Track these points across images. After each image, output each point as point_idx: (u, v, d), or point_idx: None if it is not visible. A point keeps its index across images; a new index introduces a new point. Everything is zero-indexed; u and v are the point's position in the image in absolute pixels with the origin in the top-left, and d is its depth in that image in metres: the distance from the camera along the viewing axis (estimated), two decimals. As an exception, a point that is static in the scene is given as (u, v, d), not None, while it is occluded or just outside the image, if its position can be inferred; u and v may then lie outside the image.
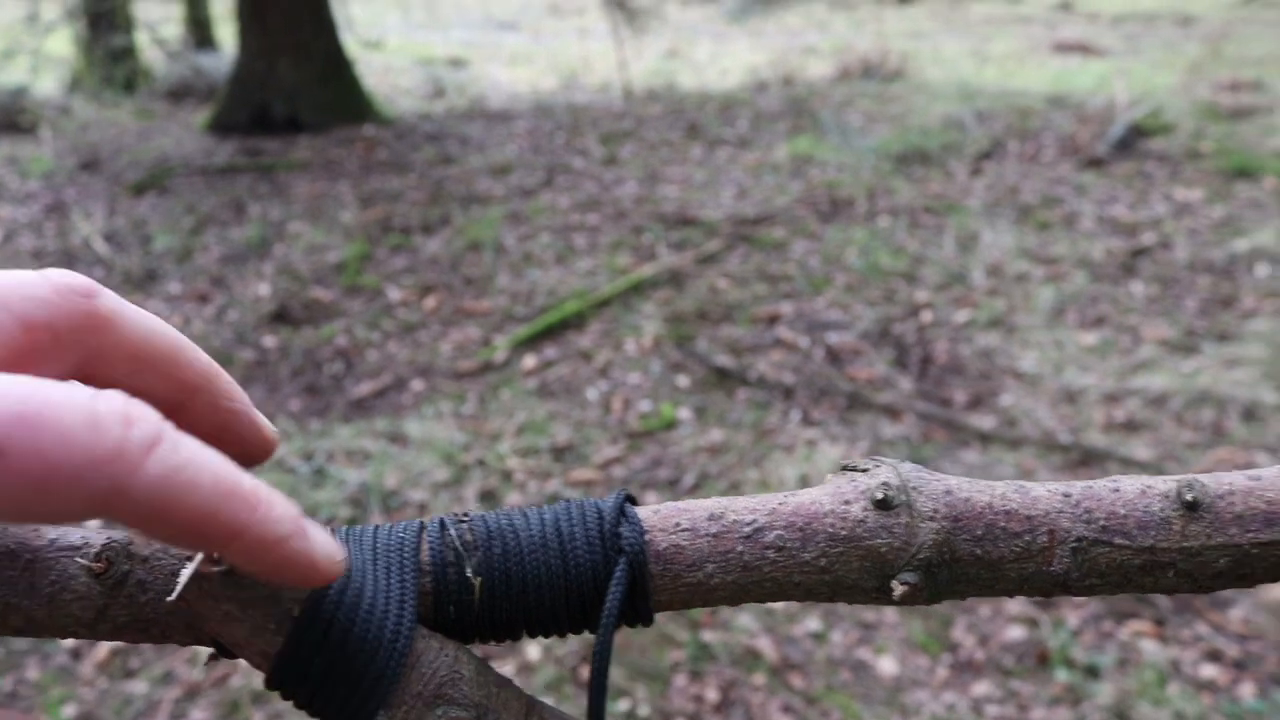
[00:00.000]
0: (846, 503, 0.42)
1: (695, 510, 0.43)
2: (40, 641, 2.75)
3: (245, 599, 0.38)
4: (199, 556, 0.38)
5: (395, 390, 3.96)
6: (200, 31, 11.33)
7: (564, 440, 3.49)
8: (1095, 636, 2.65)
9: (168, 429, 0.31)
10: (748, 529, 0.42)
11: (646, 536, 0.43)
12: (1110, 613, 2.73)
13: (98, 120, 8.61)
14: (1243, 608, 2.71)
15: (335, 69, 8.13)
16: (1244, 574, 0.42)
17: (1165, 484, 0.42)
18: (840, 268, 4.84)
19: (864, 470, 0.43)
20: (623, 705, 2.48)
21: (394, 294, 4.78)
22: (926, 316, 4.34)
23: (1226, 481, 0.42)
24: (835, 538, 0.41)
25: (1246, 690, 2.46)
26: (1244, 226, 5.07)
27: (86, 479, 0.29)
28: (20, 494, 0.28)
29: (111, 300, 0.36)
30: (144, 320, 0.38)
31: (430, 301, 4.68)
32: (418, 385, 3.98)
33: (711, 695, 2.52)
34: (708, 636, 2.69)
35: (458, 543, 0.43)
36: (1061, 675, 2.53)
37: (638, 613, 0.43)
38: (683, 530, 0.43)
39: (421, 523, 0.44)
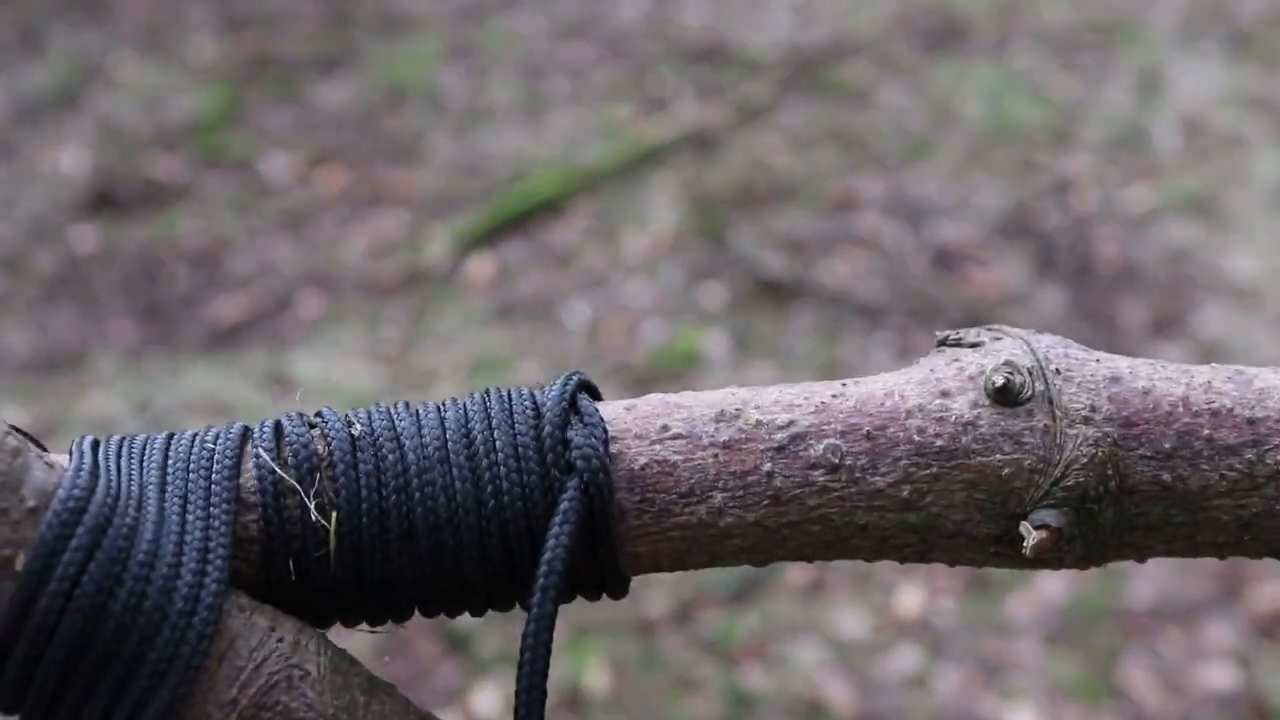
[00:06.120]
0: (945, 394, 0.38)
1: (694, 406, 0.40)
2: None
3: None
4: None
5: (277, 311, 3.95)
6: None
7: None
8: (1337, 679, 2.66)
9: None
10: (781, 436, 0.38)
11: (614, 446, 0.40)
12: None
13: None
14: None
15: None
16: None
17: None
18: (953, 125, 4.80)
19: (973, 345, 0.39)
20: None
21: (274, 166, 4.75)
22: (1084, 199, 4.31)
23: None
24: (926, 451, 0.37)
25: None
26: None
27: None
28: None
29: None
30: None
31: (330, 177, 4.66)
32: (312, 303, 3.97)
33: (756, 766, 2.53)
34: (750, 679, 2.69)
35: (301, 458, 0.40)
36: (1287, 737, 2.53)
37: (600, 571, 0.40)
38: (673, 437, 0.39)
39: (246, 427, 0.41)
